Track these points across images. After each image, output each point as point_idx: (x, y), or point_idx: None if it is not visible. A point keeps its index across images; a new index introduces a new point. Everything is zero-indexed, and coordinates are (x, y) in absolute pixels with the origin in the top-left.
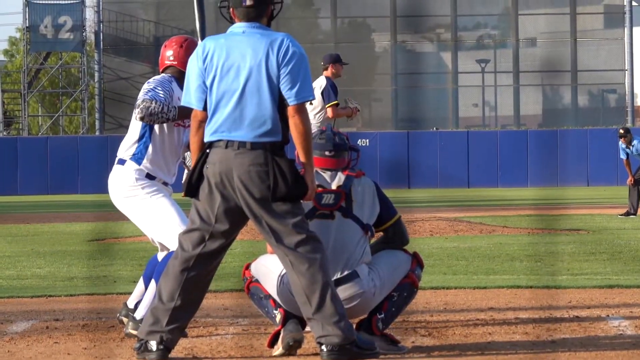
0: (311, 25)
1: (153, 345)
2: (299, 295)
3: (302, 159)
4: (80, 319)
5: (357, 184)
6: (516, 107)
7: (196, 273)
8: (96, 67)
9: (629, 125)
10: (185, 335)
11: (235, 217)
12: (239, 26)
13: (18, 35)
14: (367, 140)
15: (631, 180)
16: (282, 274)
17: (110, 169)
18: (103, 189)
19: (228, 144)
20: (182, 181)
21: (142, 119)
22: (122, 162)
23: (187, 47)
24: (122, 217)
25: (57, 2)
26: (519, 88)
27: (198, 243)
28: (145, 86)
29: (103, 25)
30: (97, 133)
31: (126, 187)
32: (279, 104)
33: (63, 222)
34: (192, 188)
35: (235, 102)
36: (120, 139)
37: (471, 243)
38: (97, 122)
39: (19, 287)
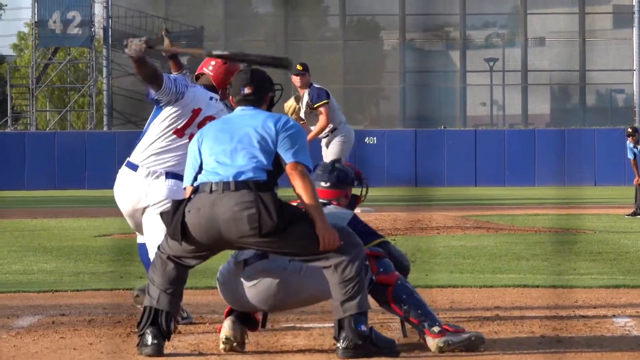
0: (320, 22)
1: (148, 339)
2: (332, 287)
3: (307, 208)
4: (86, 314)
5: (332, 208)
6: (524, 106)
7: (175, 265)
8: (104, 62)
9: (637, 125)
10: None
11: (216, 250)
12: (239, 108)
13: (27, 30)
14: (375, 138)
15: (638, 180)
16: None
17: (117, 165)
18: (110, 184)
19: (212, 187)
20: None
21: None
22: (134, 167)
23: (228, 68)
24: None
25: None
26: (527, 87)
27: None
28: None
29: (112, 21)
30: (105, 129)
31: (136, 197)
32: (275, 161)
33: (70, 217)
34: (179, 234)
35: (226, 154)
36: (128, 134)
37: (478, 242)
38: (104, 118)
39: (25, 282)
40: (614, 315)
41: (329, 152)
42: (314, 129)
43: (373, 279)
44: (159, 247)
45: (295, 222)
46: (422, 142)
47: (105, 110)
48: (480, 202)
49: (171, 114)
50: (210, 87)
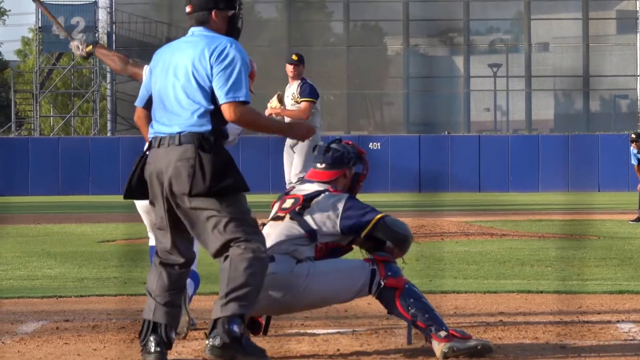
0: (324, 28)
1: (151, 346)
2: (222, 280)
3: (265, 131)
4: (90, 320)
5: (326, 197)
6: (528, 111)
7: (167, 271)
8: (108, 68)
9: None
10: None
11: (172, 214)
12: (190, 31)
13: (31, 35)
14: (379, 144)
15: None
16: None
17: (121, 170)
18: (114, 190)
19: (160, 141)
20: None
21: None
22: None
23: None
24: (133, 219)
25: (70, 3)
26: (531, 93)
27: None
28: None
29: (116, 27)
30: (109, 134)
31: None
32: (213, 97)
33: (74, 222)
34: (131, 191)
35: (168, 98)
36: (132, 140)
37: (482, 247)
38: (108, 124)
39: (29, 288)
40: (618, 321)
41: (295, 158)
42: (292, 111)
43: (381, 283)
44: (155, 255)
45: (231, 195)
46: (426, 147)
47: (109, 116)
48: (484, 207)
49: None
50: None
